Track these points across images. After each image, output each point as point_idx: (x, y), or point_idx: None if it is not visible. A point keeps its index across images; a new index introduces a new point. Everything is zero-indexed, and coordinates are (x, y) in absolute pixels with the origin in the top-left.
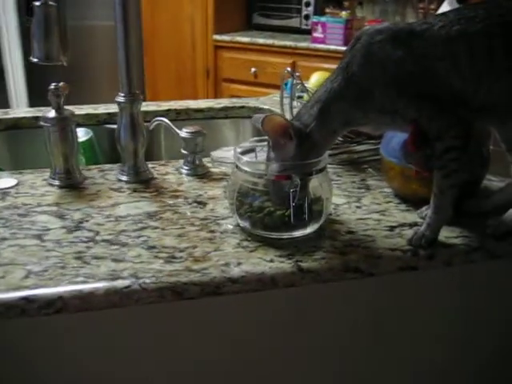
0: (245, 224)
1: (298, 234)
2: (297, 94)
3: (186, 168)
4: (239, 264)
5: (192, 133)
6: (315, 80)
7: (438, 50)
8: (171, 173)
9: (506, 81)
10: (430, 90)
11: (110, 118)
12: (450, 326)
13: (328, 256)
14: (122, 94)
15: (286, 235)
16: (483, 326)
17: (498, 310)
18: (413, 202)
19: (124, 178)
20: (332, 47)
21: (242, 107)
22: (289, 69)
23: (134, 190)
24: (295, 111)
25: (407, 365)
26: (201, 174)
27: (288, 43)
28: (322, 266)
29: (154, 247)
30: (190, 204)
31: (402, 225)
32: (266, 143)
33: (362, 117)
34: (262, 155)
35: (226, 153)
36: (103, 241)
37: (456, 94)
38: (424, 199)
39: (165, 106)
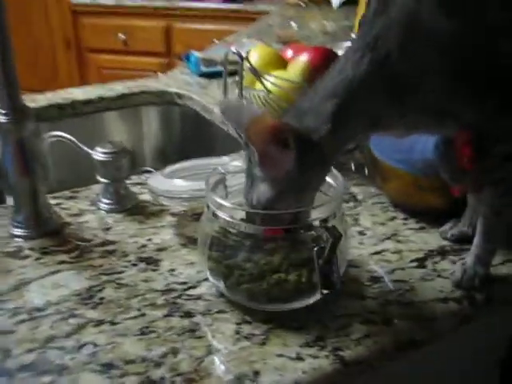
0: (238, 298)
1: (312, 299)
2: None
3: (107, 202)
4: (257, 374)
5: (112, 153)
6: (256, 58)
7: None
8: (87, 210)
9: None
10: (501, 75)
11: None
12: None
13: (369, 330)
14: (3, 112)
15: (297, 304)
16: None
17: None
18: (418, 213)
19: (21, 232)
20: (212, 5)
21: (143, 92)
22: (233, 48)
23: (43, 252)
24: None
25: None
26: (129, 207)
27: (161, 3)
28: (370, 349)
29: (110, 365)
30: (134, 265)
31: (428, 253)
32: (240, 165)
33: (397, 117)
34: (234, 185)
35: (170, 182)
36: (22, 368)
37: None
38: (436, 210)
39: (42, 100)
